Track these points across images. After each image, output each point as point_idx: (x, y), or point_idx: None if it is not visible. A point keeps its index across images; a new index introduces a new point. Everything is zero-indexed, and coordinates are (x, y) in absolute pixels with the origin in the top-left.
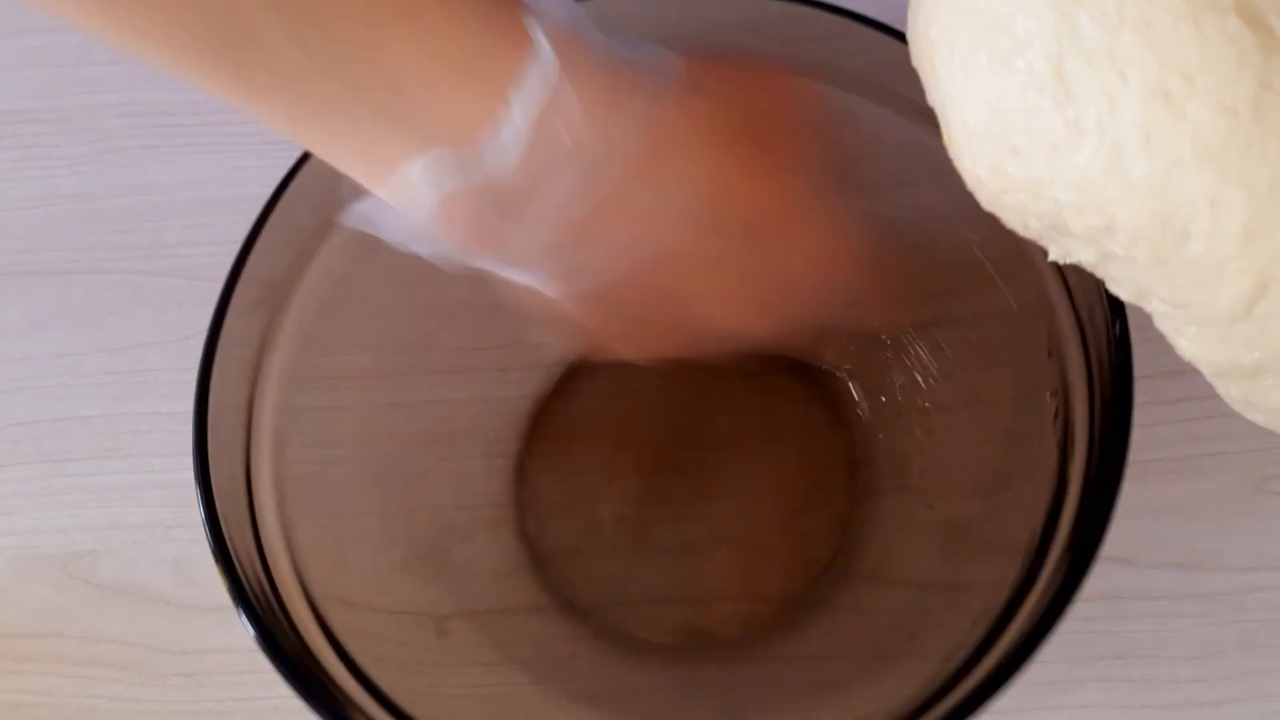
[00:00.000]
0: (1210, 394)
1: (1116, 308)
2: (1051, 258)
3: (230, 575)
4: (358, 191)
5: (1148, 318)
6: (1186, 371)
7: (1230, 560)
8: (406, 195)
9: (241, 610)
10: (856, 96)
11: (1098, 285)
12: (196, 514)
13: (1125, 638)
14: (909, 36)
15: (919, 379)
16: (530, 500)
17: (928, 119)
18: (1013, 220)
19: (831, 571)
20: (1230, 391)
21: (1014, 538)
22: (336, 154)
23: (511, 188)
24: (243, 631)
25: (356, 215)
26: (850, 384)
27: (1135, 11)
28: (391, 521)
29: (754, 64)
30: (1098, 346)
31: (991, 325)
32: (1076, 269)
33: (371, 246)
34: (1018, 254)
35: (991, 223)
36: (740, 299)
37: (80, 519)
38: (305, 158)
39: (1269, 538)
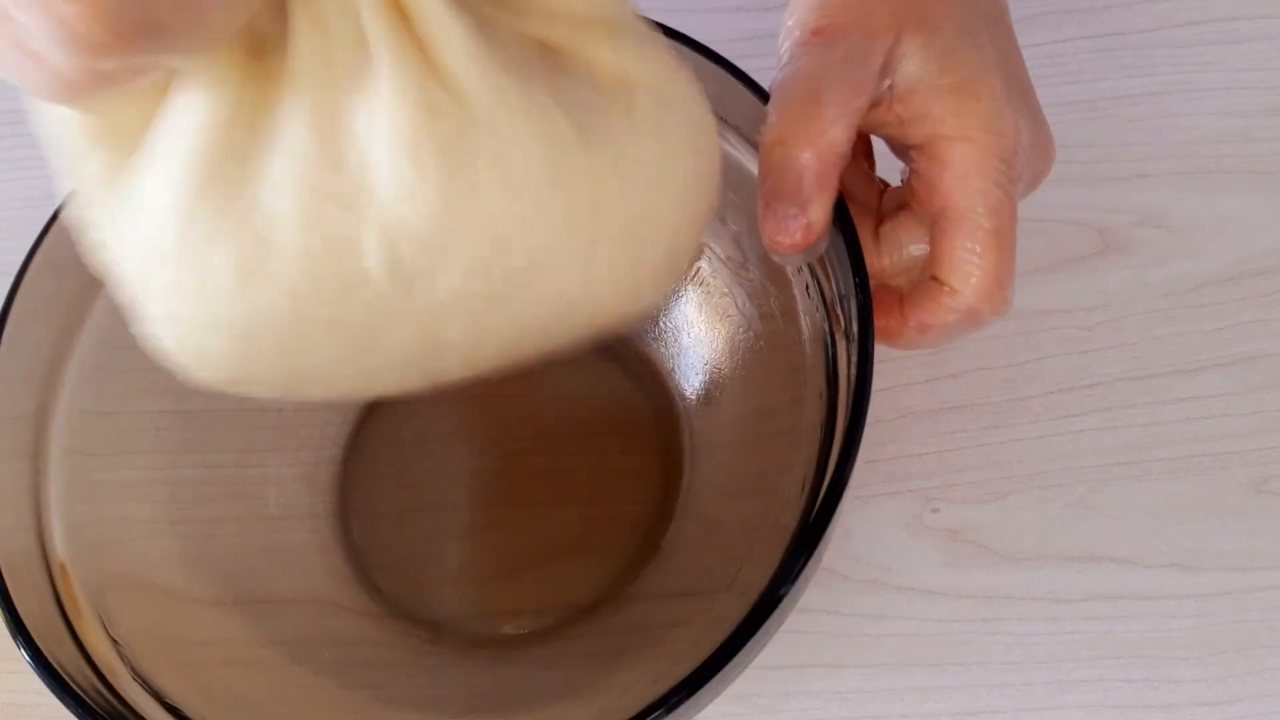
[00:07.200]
0: (1210, 394)
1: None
2: None
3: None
4: None
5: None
6: (1187, 371)
7: (1230, 560)
8: None
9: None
10: None
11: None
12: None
13: (1125, 638)
14: None
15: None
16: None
17: None
18: None
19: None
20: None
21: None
22: None
23: None
24: None
25: None
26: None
27: None
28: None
29: None
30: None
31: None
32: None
33: None
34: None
35: None
36: None
37: None
38: None
39: (1269, 538)
